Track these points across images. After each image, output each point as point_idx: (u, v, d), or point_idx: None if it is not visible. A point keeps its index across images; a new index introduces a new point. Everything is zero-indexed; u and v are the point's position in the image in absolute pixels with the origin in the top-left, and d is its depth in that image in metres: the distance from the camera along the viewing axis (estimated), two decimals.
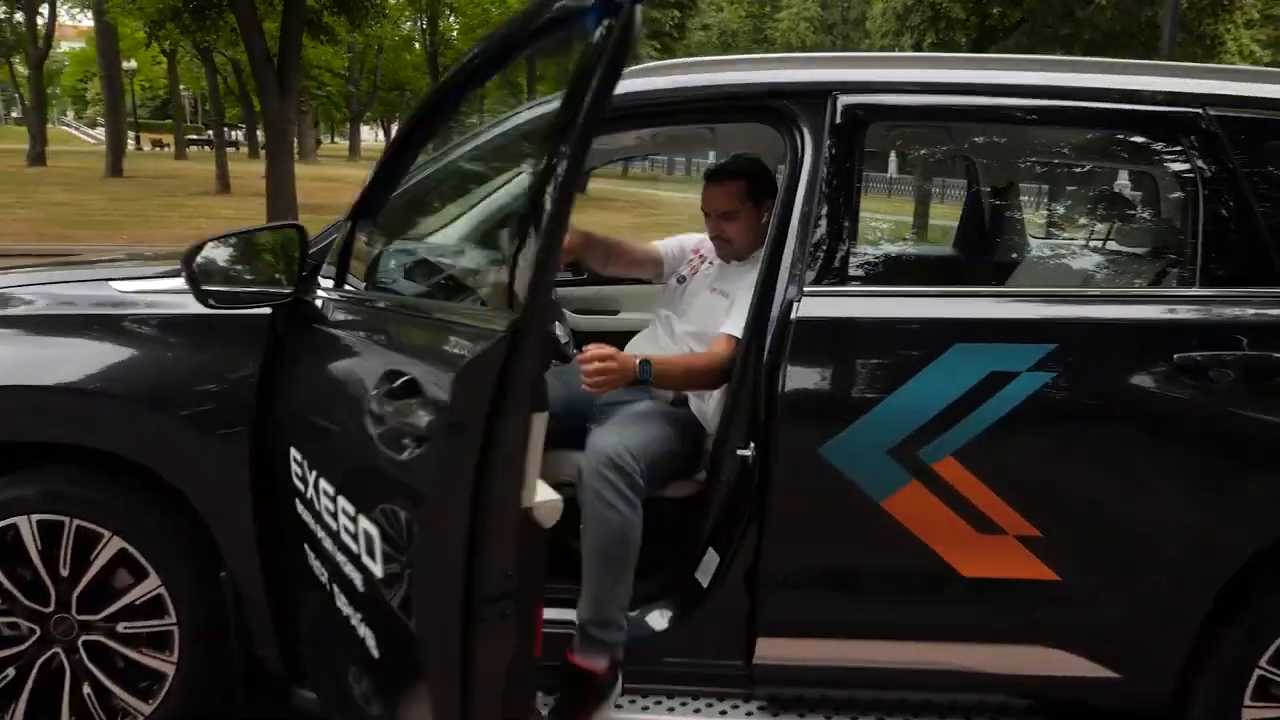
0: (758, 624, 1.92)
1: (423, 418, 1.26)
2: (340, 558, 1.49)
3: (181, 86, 38.12)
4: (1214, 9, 16.94)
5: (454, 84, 1.76)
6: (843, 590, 1.94)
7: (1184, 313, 1.89)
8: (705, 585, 1.94)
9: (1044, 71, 2.05)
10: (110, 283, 1.96)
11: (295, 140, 16.97)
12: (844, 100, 1.92)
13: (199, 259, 1.71)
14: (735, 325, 2.12)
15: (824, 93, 1.94)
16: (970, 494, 1.83)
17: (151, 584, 1.88)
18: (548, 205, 1.15)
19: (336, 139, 59.50)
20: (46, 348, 1.89)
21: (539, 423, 1.20)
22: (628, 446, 1.97)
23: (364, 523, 1.38)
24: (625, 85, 2.02)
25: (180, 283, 1.83)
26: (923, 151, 2.76)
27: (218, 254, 1.79)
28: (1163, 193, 2.41)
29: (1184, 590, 1.88)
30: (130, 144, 34.05)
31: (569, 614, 1.99)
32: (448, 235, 2.42)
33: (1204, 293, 1.88)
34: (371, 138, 60.15)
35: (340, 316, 1.77)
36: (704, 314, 2.32)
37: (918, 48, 19.70)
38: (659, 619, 2.00)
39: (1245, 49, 18.06)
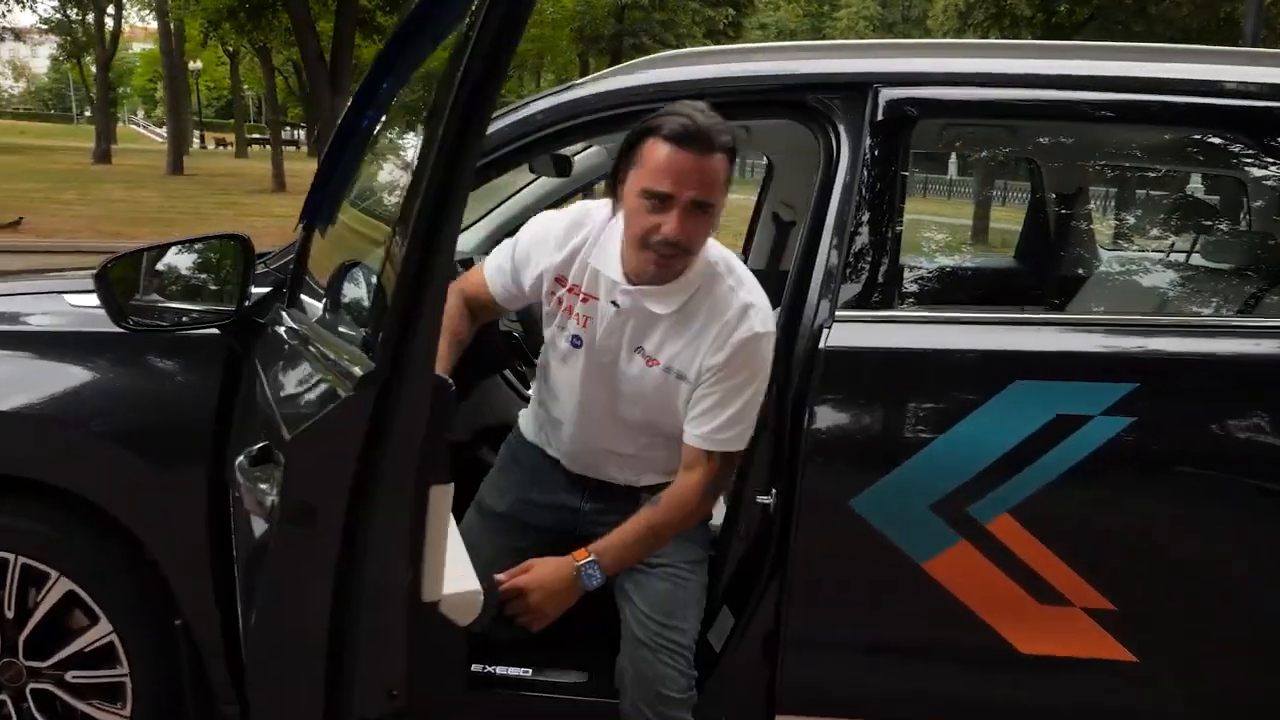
0: (777, 697, 1.68)
1: (269, 491, 1.03)
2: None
3: (245, 87, 38.96)
4: None
5: (382, 65, 1.51)
6: (877, 663, 1.69)
7: None
8: (718, 650, 1.71)
9: (1122, 61, 1.76)
10: (64, 296, 1.79)
11: None
12: (887, 94, 1.67)
13: (132, 272, 1.51)
14: (715, 434, 1.55)
15: (864, 85, 1.68)
16: (1030, 558, 1.57)
17: (102, 630, 1.71)
18: (425, 224, 0.86)
19: None
20: None
21: (440, 497, 0.95)
22: (678, 665, 1.55)
23: (241, 596, 1.17)
24: (636, 78, 1.79)
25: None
26: (979, 153, 2.47)
27: (167, 263, 1.60)
28: (1267, 202, 2.09)
29: None
30: (195, 143, 34.93)
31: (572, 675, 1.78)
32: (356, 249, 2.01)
33: None
34: None
35: (269, 348, 1.54)
36: (642, 395, 1.58)
37: None
38: None
39: None
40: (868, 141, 1.66)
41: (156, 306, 1.59)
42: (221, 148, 42.36)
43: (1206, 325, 1.74)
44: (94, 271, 1.52)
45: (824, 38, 39.64)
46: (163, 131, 44.57)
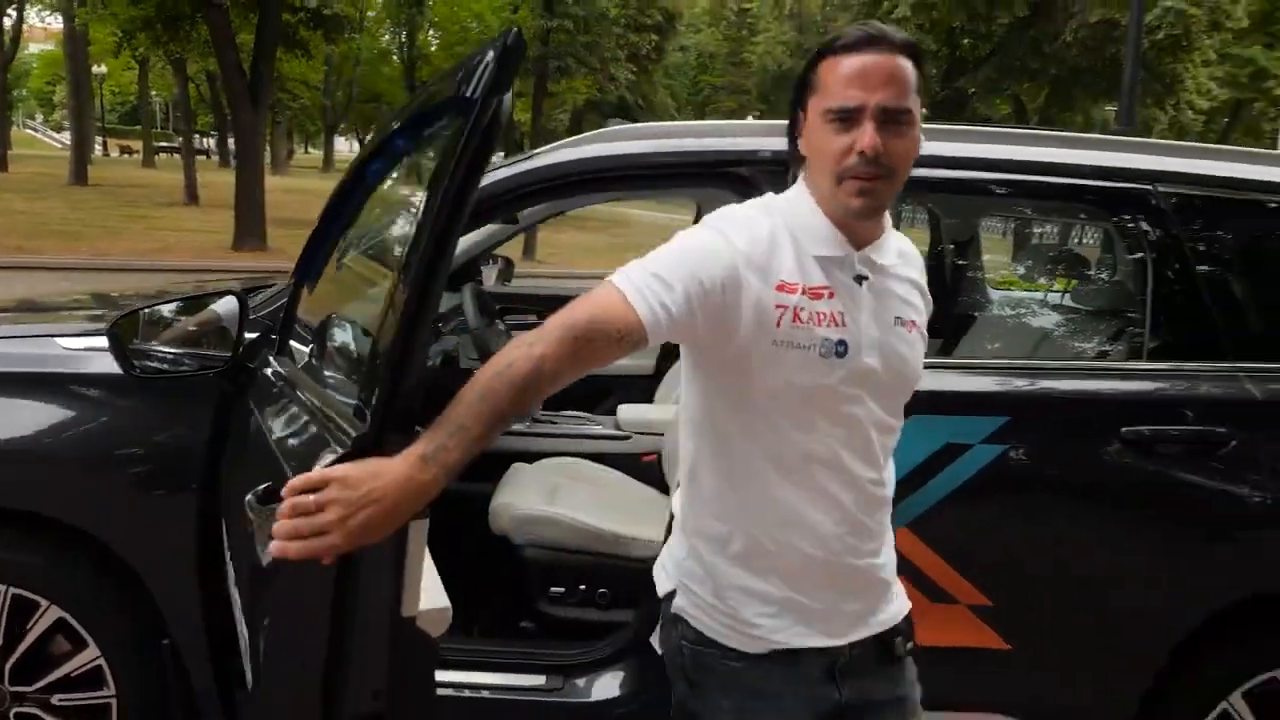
0: None
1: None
2: (243, 650, 1.47)
3: (153, 93, 37.64)
4: (1174, 49, 17.43)
5: (376, 150, 1.74)
6: None
7: (1131, 387, 1.93)
8: (661, 650, 1.93)
9: (1005, 145, 2.08)
10: (55, 339, 1.91)
11: (267, 151, 16.83)
12: None
13: (134, 323, 1.67)
14: None
15: (787, 162, 1.95)
16: (924, 564, 1.84)
17: (90, 655, 1.83)
18: (405, 310, 1.07)
19: (310, 149, 59.11)
20: None
21: (417, 529, 1.12)
22: None
23: (242, 625, 1.37)
24: (607, 148, 2.02)
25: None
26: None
27: (161, 316, 1.75)
28: (1118, 268, 2.46)
29: (1130, 658, 1.91)
30: (97, 150, 33.57)
31: (531, 679, 1.97)
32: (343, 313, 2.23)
33: (1151, 366, 1.92)
34: (346, 149, 59.73)
35: (262, 391, 1.71)
36: (906, 377, 1.26)
37: None
38: (611, 684, 1.98)
39: (1203, 87, 18.60)
40: None
41: (161, 353, 1.73)
42: (126, 155, 40.76)
43: (1064, 368, 2.07)
44: (106, 327, 1.67)
45: (742, 61, 40.70)
46: (61, 136, 42.58)
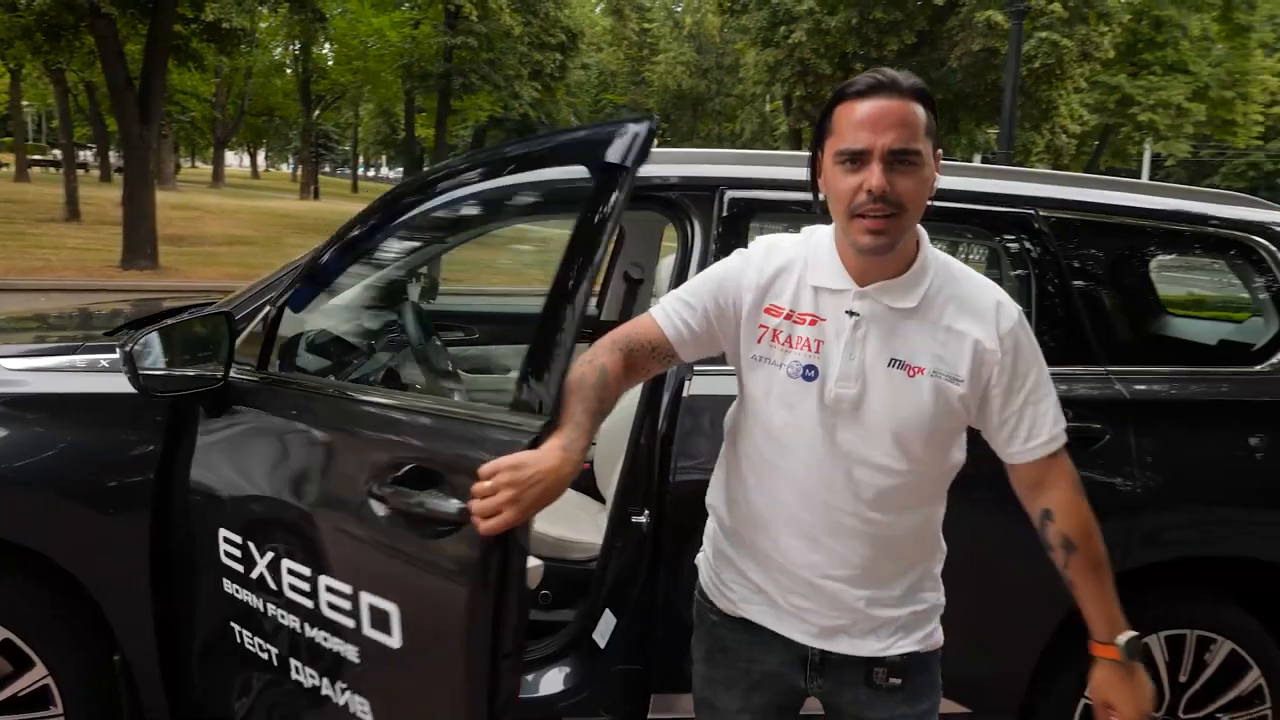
0: (651, 683, 2.03)
1: (452, 505, 1.37)
2: (318, 633, 1.56)
3: (24, 102, 35.47)
4: (1049, 77, 18.73)
5: (419, 190, 1.97)
6: None
7: None
8: (602, 646, 2.04)
9: None
10: None
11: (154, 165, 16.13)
12: (730, 194, 2.11)
13: (137, 348, 1.70)
14: (1056, 426, 1.36)
15: (713, 187, 2.12)
16: None
17: (37, 674, 1.82)
18: (564, 323, 1.36)
19: (198, 163, 56.75)
20: None
21: None
22: None
23: (371, 599, 1.47)
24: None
25: (68, 359, 1.90)
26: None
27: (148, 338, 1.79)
28: (1003, 282, 2.71)
29: (1019, 641, 2.12)
30: None
31: None
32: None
33: None
34: (236, 163, 57.66)
35: (295, 403, 1.77)
36: (904, 422, 1.29)
37: (788, 99, 20.85)
38: (556, 679, 2.07)
39: (1075, 113, 20.03)
40: (715, 231, 2.09)
41: (164, 373, 1.77)
42: None
43: None
44: (121, 348, 1.74)
45: (643, 80, 41.37)
46: None
